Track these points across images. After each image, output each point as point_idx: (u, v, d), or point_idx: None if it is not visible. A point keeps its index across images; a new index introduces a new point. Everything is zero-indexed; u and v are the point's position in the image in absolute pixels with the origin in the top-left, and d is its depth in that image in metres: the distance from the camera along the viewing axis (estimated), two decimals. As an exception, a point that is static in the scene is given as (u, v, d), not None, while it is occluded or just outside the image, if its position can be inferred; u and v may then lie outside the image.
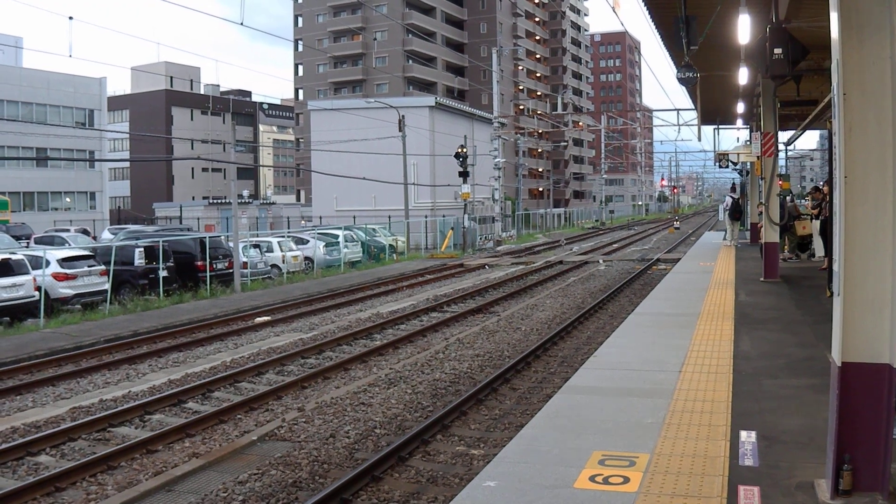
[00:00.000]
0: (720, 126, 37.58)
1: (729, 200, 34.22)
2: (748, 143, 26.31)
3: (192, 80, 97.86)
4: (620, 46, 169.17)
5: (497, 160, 50.32)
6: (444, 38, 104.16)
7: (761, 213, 22.56)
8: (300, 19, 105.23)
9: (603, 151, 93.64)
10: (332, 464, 9.49)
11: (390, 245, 42.03)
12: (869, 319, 5.24)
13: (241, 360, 15.92)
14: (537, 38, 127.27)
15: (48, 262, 21.91)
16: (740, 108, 27.09)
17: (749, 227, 33.89)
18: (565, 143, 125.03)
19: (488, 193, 55.93)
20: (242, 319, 21.39)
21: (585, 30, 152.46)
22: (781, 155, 38.56)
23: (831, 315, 5.51)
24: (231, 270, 27.61)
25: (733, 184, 41.92)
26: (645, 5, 15.87)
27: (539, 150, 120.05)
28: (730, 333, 12.13)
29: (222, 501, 8.44)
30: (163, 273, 24.71)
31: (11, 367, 15.32)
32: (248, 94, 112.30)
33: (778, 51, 11.49)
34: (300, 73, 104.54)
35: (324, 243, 35.83)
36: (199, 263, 26.80)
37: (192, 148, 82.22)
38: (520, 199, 74.65)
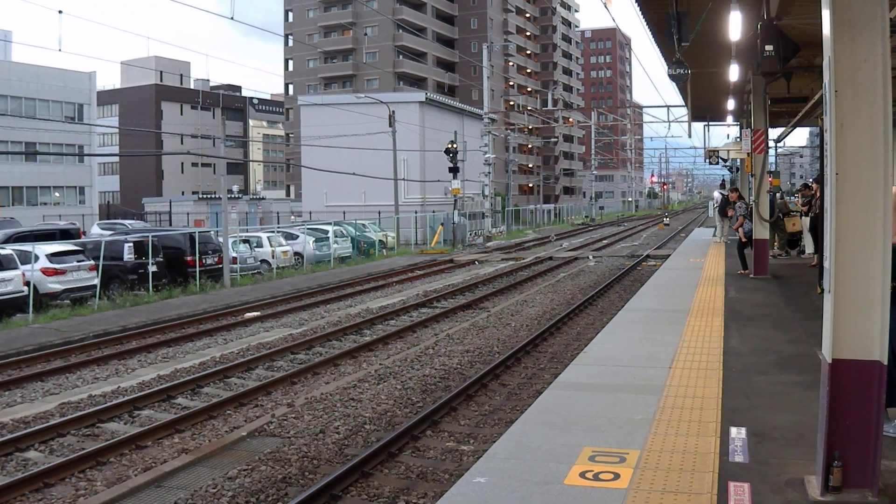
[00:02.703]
0: (710, 123, 37.69)
1: (718, 197, 34.27)
2: (738, 139, 26.38)
3: (181, 75, 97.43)
4: (611, 43, 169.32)
5: (487, 156, 50.33)
6: (435, 34, 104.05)
7: (732, 217, 22.58)
8: (290, 14, 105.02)
9: (593, 148, 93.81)
10: (321, 459, 9.48)
11: (380, 241, 41.98)
12: (859, 316, 5.24)
13: (231, 356, 15.89)
14: (528, 34, 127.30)
15: (37, 257, 21.82)
16: (731, 104, 27.12)
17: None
18: (555, 140, 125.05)
19: (478, 189, 55.98)
20: (232, 315, 21.35)
21: (576, 26, 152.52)
22: (771, 152, 38.69)
23: (821, 312, 5.52)
24: (221, 266, 27.56)
25: (723, 180, 42.06)
26: (636, 1, 15.86)
27: (529, 147, 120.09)
28: (720, 330, 12.14)
29: (212, 497, 8.41)
30: (152, 268, 24.64)
31: (0, 362, 15.25)
32: (238, 88, 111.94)
33: (769, 48, 11.49)
34: (290, 68, 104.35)
35: (313, 239, 35.80)
36: (189, 259, 26.74)
37: (182, 143, 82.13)
38: (510, 195, 74.70)
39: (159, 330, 19.02)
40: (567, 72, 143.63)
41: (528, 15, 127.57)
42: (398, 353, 15.71)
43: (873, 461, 5.33)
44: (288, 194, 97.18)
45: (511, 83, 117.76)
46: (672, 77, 17.63)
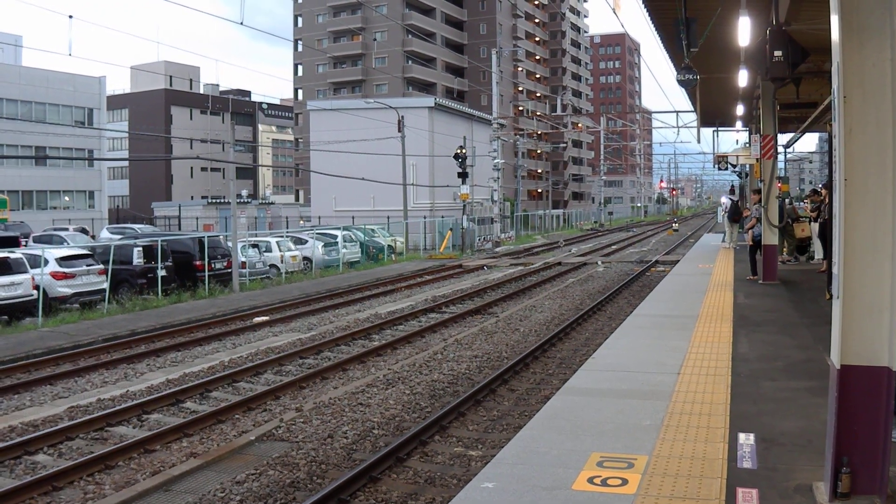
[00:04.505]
0: (719, 128, 37.63)
1: (727, 202, 34.22)
2: (747, 145, 26.34)
3: (191, 80, 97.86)
4: (620, 48, 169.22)
5: (496, 161, 50.33)
6: (444, 39, 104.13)
7: (747, 217, 22.58)
8: (300, 19, 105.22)
9: (602, 153, 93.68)
10: (329, 464, 9.48)
11: (389, 245, 41.98)
12: (868, 322, 5.23)
13: (240, 360, 15.91)
14: (537, 39, 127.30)
15: (47, 261, 21.89)
16: (740, 110, 27.11)
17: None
18: (564, 145, 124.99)
19: (487, 194, 55.96)
20: (241, 319, 21.37)
21: (585, 31, 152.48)
22: (780, 157, 38.56)
23: (830, 317, 5.51)
24: (229, 270, 27.60)
25: (732, 186, 42.05)
26: (645, 7, 15.88)
27: (538, 152, 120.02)
28: (728, 335, 12.12)
29: (220, 501, 8.42)
30: (161, 272, 24.70)
31: (9, 365, 15.30)
32: (248, 93, 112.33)
33: (778, 53, 11.48)
34: (300, 73, 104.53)
35: (322, 243, 35.82)
36: (198, 263, 26.80)
37: (192, 147, 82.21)
38: (518, 201, 74.61)
39: (168, 334, 19.05)
40: (576, 77, 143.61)
41: (537, 20, 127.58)
42: (407, 358, 15.71)
43: (882, 467, 5.32)
44: (297, 199, 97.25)
45: (520, 88, 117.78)
46: (681, 82, 17.61)
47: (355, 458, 9.70)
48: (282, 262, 32.01)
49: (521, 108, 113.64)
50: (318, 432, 10.71)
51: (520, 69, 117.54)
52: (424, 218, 50.73)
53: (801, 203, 37.54)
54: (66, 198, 66.62)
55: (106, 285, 22.96)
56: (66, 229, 46.73)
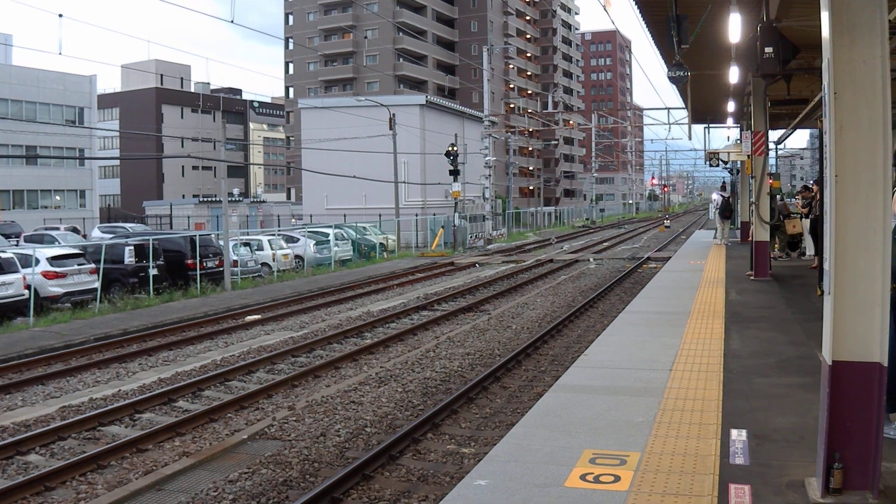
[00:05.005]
0: (711, 125, 37.67)
1: (718, 199, 34.26)
2: (738, 141, 26.36)
3: (182, 78, 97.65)
4: (611, 45, 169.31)
5: (487, 159, 50.32)
6: (435, 37, 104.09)
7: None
8: (291, 17, 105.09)
9: (593, 150, 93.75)
10: (322, 462, 9.48)
11: (381, 243, 41.97)
12: (859, 318, 5.23)
13: (232, 359, 15.89)
14: (528, 36, 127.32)
15: (38, 261, 21.83)
16: (731, 106, 27.12)
17: (739, 226, 33.95)
18: (556, 142, 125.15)
19: (479, 192, 55.96)
20: (233, 318, 21.34)
21: (576, 28, 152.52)
22: (772, 154, 38.67)
23: (822, 314, 5.51)
24: (221, 269, 27.55)
25: (723, 182, 42.07)
26: (636, 4, 15.86)
27: (530, 149, 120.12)
28: (720, 332, 12.13)
29: (213, 500, 8.41)
30: (153, 271, 24.64)
31: (1, 365, 15.25)
32: (239, 92, 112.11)
33: (768, 50, 11.49)
34: (291, 71, 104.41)
35: (314, 241, 35.80)
36: (190, 262, 26.75)
37: (183, 146, 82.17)
38: (510, 198, 74.69)
39: (160, 333, 19.02)
40: (567, 74, 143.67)
41: (528, 18, 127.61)
42: (399, 356, 15.70)
43: (874, 463, 5.33)
44: (289, 197, 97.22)
45: (511, 86, 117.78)
46: (672, 79, 17.63)
47: (348, 456, 9.70)
48: (273, 260, 31.97)
49: (512, 106, 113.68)
50: (310, 431, 10.70)
51: (511, 66, 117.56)
52: (416, 215, 50.73)
53: (793, 199, 37.65)
54: (58, 197, 66.42)
55: (97, 284, 22.91)
56: (58, 228, 46.57)
